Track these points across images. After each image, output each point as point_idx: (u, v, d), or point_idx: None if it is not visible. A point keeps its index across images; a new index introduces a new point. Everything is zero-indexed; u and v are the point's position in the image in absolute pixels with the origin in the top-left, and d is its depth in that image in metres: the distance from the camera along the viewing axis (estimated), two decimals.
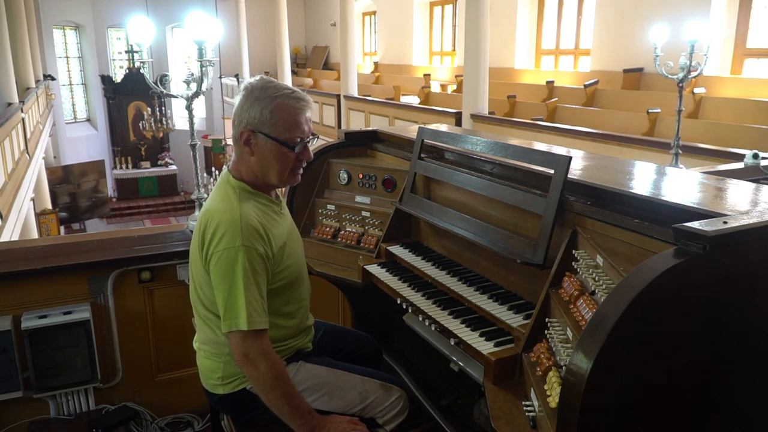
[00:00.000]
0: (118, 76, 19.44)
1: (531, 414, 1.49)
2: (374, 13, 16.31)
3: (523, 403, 1.53)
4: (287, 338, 1.91)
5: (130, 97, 19.02)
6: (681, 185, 1.82)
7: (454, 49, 13.25)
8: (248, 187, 1.82)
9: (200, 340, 1.93)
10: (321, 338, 2.14)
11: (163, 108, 16.25)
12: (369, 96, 11.53)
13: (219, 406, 1.99)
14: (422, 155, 2.45)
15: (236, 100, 1.81)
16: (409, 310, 2.09)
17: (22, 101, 10.26)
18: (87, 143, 18.97)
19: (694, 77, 4.96)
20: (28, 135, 10.50)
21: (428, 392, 2.42)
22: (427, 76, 12.48)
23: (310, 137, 1.83)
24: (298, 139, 1.78)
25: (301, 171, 1.87)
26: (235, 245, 1.68)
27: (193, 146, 3.10)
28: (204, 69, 2.94)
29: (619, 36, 8.90)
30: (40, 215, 11.73)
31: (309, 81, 16.57)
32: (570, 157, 1.79)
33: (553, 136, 6.83)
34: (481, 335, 1.77)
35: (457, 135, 2.37)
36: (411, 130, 2.75)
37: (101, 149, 19.29)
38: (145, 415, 2.83)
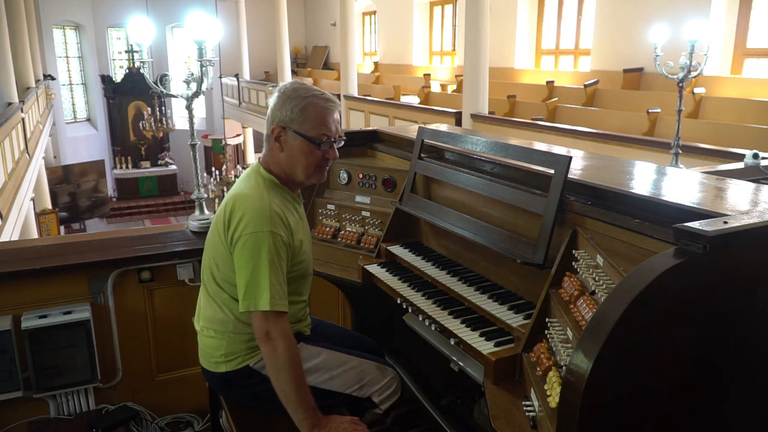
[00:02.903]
0: (118, 76, 19.42)
1: (531, 414, 1.49)
2: (374, 13, 16.31)
3: (523, 403, 1.53)
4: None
5: (130, 97, 19.01)
6: (681, 185, 1.82)
7: (454, 49, 13.24)
8: (277, 180, 1.92)
9: (205, 318, 1.97)
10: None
11: (163, 108, 16.26)
12: (369, 96, 11.51)
13: (219, 385, 2.02)
14: (422, 155, 2.45)
15: (270, 101, 1.91)
16: (409, 310, 2.09)
17: (22, 101, 10.25)
18: (87, 143, 18.97)
19: (694, 77, 4.95)
20: (28, 135, 10.49)
21: (428, 392, 2.43)
22: (427, 76, 12.48)
23: (337, 138, 1.92)
24: (325, 138, 1.88)
25: (327, 168, 1.96)
26: (263, 230, 1.76)
27: (193, 146, 3.09)
28: (204, 69, 2.94)
29: (619, 36, 8.90)
30: (40, 215, 11.73)
31: (309, 81, 16.54)
32: (570, 157, 1.79)
33: (553, 136, 6.82)
34: (481, 335, 1.78)
35: (457, 135, 2.37)
36: (411, 130, 2.75)
37: (101, 149, 19.29)
38: (145, 415, 2.83)
